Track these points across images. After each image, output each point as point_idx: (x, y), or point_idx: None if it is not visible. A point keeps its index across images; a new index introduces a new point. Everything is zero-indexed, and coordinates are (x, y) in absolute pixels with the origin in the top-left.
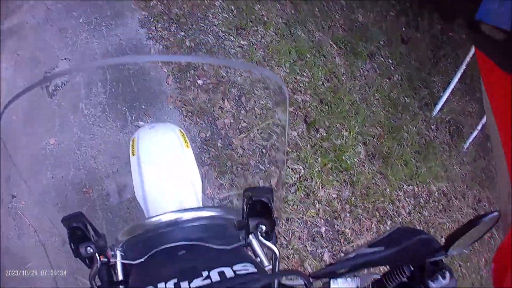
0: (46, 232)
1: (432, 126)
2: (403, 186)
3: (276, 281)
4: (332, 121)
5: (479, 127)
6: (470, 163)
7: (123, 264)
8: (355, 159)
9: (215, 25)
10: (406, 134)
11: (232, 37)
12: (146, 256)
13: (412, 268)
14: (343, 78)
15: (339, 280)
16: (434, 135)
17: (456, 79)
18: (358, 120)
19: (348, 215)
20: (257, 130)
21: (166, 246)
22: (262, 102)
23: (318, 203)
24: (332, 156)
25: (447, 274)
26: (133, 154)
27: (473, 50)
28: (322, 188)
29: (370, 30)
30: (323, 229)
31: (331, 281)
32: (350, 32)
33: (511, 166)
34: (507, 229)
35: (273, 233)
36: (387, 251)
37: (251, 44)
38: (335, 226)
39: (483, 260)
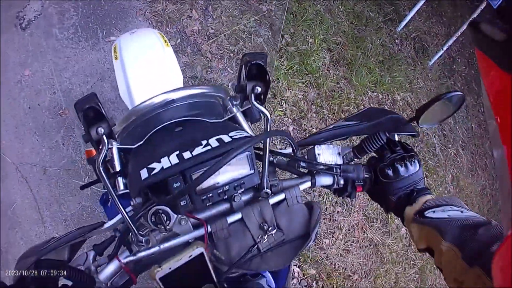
0: (27, 165)
1: (396, 41)
2: (368, 92)
3: (268, 140)
4: (297, 29)
5: (445, 48)
6: (435, 80)
7: (119, 156)
8: (319, 63)
9: None
10: (370, 45)
11: None
12: (144, 139)
13: (387, 135)
14: None
15: (323, 146)
16: (399, 49)
17: (422, 1)
18: (322, 29)
19: (314, 115)
20: (224, 36)
21: (162, 125)
22: (229, 11)
23: (285, 103)
24: (297, 60)
25: (416, 163)
26: (116, 59)
27: None
28: (288, 89)
29: None
30: (290, 128)
31: (316, 147)
32: None
33: (511, 166)
34: (508, 228)
35: (266, 98)
36: (362, 124)
37: None
38: (302, 125)
39: (450, 175)
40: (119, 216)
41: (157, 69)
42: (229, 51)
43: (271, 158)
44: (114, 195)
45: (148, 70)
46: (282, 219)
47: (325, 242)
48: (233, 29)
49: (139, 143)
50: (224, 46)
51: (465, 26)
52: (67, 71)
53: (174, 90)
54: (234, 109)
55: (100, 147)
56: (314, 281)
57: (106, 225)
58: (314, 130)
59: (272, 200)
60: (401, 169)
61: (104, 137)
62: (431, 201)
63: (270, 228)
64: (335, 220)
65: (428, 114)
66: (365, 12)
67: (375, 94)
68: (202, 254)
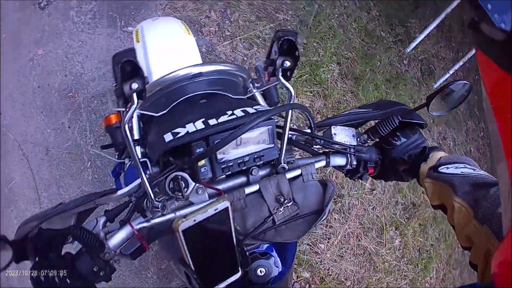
0: (30, 143)
1: (404, 61)
2: None
3: (289, 113)
4: (310, 40)
5: (451, 72)
6: None
7: (138, 126)
8: (328, 75)
9: None
10: (378, 62)
11: None
12: (168, 109)
13: (400, 118)
14: (323, 5)
15: (338, 127)
16: (406, 69)
17: (433, 25)
18: (334, 42)
19: None
20: (240, 39)
21: (187, 96)
22: (246, 16)
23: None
24: (307, 69)
25: (415, 130)
26: (138, 41)
27: (454, 3)
28: (296, 97)
29: None
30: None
31: (332, 127)
32: None
33: (511, 167)
34: (507, 230)
35: (292, 75)
36: (375, 112)
37: None
38: None
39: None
40: (135, 183)
41: (179, 53)
42: (243, 55)
43: (289, 135)
44: (136, 155)
45: (169, 53)
46: (297, 194)
47: (320, 247)
48: (249, 34)
49: (162, 112)
50: (238, 49)
51: (472, 52)
52: (80, 55)
53: (201, 64)
54: (255, 90)
55: (129, 106)
56: (307, 284)
57: (119, 192)
58: None
59: (289, 175)
60: (402, 134)
61: (135, 95)
62: (445, 158)
63: (286, 201)
64: (332, 226)
65: (437, 101)
66: (377, 31)
67: None
68: (227, 209)
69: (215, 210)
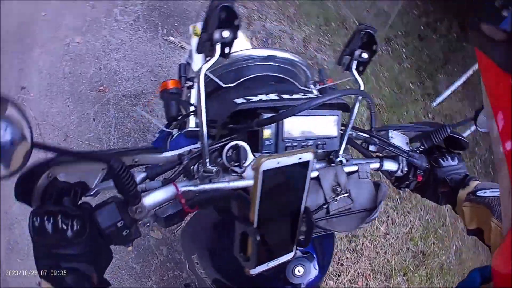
0: (49, 125)
1: (429, 115)
2: None
3: (358, 102)
4: (343, 83)
5: (472, 128)
6: None
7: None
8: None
9: None
10: (405, 113)
11: None
12: (236, 83)
13: (451, 128)
14: None
15: (395, 132)
16: None
17: (460, 82)
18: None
19: None
20: None
21: (257, 74)
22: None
23: None
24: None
25: (461, 158)
26: (197, 36)
27: None
28: None
29: (392, 20)
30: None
31: (389, 130)
32: (373, 16)
33: (511, 167)
34: (507, 230)
35: (365, 69)
36: (426, 127)
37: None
38: None
39: (454, 247)
40: (185, 148)
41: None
42: None
43: (349, 131)
44: (203, 105)
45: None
46: (352, 189)
47: (329, 283)
48: None
49: (230, 84)
50: None
51: None
52: (118, 53)
53: (276, 49)
54: (314, 89)
55: (207, 59)
56: None
57: (165, 154)
58: None
59: (345, 169)
60: (450, 156)
61: (219, 46)
62: (482, 184)
63: (343, 192)
64: (343, 264)
65: (483, 115)
66: (406, 83)
67: None
68: (308, 163)
69: (299, 159)
